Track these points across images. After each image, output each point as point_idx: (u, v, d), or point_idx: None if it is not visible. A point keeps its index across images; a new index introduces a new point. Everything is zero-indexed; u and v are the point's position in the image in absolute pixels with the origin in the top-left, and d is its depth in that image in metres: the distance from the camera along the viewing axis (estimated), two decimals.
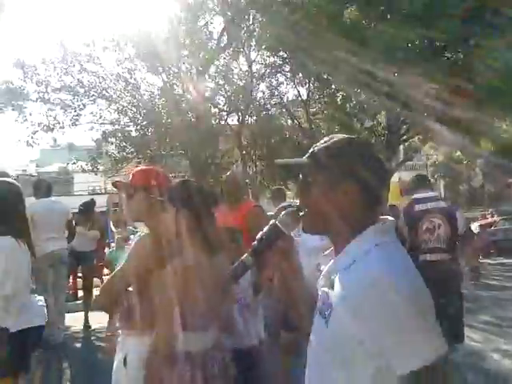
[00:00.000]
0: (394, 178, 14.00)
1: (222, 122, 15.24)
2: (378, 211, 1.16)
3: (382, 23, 8.23)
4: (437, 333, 1.00)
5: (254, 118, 15.44)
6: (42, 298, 2.95)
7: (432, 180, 24.75)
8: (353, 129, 12.74)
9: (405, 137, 12.92)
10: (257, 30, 13.28)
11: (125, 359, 2.03)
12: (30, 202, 5.64)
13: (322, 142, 1.20)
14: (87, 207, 6.42)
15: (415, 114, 11.93)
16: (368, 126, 13.76)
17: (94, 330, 5.72)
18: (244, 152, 15.81)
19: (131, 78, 13.43)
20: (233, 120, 15.95)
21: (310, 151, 1.20)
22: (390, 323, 0.96)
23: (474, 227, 15.92)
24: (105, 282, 2.14)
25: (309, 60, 12.15)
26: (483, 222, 17.09)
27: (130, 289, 2.08)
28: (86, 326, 5.86)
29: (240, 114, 15.12)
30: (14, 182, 2.82)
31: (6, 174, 4.35)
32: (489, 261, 13.08)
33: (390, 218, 1.19)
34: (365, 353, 0.99)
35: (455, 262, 3.74)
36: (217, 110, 14.74)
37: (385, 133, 12.73)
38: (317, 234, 1.35)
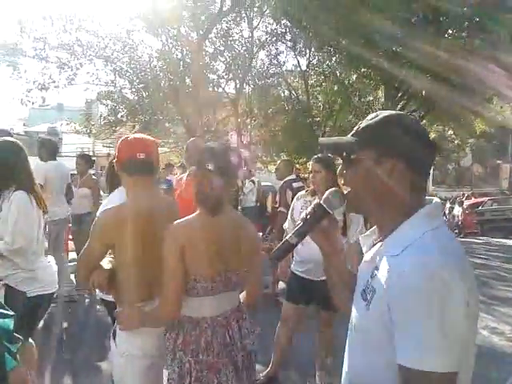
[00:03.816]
0: None
1: (220, 90, 15.07)
2: (424, 191, 1.11)
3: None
4: (456, 351, 0.90)
5: (252, 86, 15.27)
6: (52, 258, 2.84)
7: None
8: (351, 102, 12.73)
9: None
10: None
11: (114, 332, 1.95)
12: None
13: (368, 118, 1.14)
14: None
15: (413, 90, 12.02)
16: (366, 100, 13.75)
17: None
18: (239, 120, 15.72)
19: (129, 38, 13.13)
20: (229, 88, 15.80)
21: (355, 128, 1.14)
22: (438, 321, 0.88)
23: (464, 206, 16.23)
24: (80, 254, 1.96)
25: (311, 30, 12.04)
26: (471, 202, 17.33)
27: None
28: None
29: (238, 81, 14.94)
30: (16, 140, 2.73)
31: (7, 133, 4.20)
32: (474, 240, 13.35)
33: (436, 198, 1.13)
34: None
35: None
36: (215, 76, 14.52)
37: (382, 108, 12.77)
38: (362, 214, 1.30)
